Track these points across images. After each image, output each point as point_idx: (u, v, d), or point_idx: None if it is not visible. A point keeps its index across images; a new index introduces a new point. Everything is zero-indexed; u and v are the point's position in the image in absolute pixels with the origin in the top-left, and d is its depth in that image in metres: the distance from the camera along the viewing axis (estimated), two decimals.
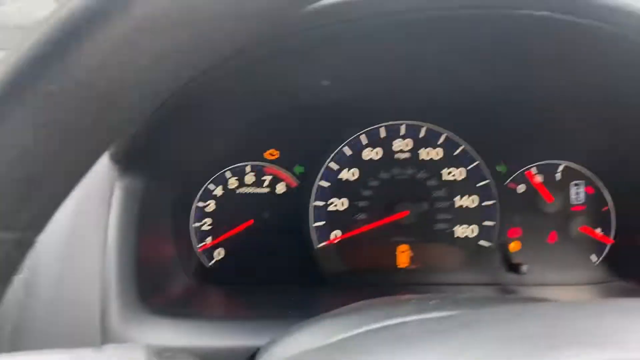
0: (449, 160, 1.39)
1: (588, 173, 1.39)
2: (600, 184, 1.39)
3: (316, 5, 0.79)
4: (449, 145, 1.38)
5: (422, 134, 1.39)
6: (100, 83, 0.37)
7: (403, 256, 1.39)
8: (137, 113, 0.43)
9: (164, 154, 1.12)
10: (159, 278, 1.12)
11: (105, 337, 0.91)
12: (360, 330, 0.63)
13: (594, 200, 1.39)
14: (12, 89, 0.36)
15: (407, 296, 0.78)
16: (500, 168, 1.39)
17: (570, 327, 0.44)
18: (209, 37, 0.42)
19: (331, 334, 0.64)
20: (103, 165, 1.02)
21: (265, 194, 1.40)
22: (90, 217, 0.98)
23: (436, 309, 0.67)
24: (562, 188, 1.39)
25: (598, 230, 1.38)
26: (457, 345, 0.43)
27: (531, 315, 0.47)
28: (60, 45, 0.37)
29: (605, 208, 1.39)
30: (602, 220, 1.39)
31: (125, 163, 1.01)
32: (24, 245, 0.39)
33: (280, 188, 1.40)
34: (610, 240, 1.38)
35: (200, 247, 1.38)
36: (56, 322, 0.92)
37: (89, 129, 0.39)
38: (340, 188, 1.39)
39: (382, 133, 1.39)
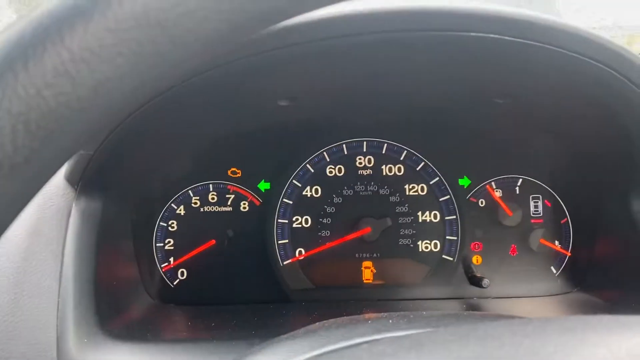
0: (411, 176, 1.40)
1: (546, 187, 1.42)
2: (557, 197, 1.42)
3: (273, 27, 0.80)
4: (410, 162, 1.40)
5: (383, 150, 1.40)
6: (35, 115, 0.37)
7: (368, 272, 1.39)
8: (78, 144, 0.42)
9: (122, 174, 1.11)
10: (119, 301, 1.10)
11: None
12: (316, 352, 0.63)
13: (553, 213, 1.42)
14: None
15: (364, 315, 0.78)
16: (463, 182, 1.41)
17: (517, 346, 0.45)
18: (154, 64, 0.42)
19: (288, 357, 0.64)
20: (59, 188, 1.00)
21: (229, 212, 1.39)
22: (45, 241, 0.96)
23: (392, 328, 0.67)
24: (521, 202, 1.41)
25: (557, 243, 1.41)
26: None
27: (479, 335, 0.47)
28: None
29: (564, 220, 1.42)
30: (560, 233, 1.42)
31: (82, 185, 0.99)
32: None
33: (244, 206, 1.39)
34: (568, 252, 1.40)
35: (164, 267, 1.36)
36: (10, 350, 0.89)
37: (25, 162, 0.38)
38: (303, 205, 1.39)
39: (345, 150, 1.40)
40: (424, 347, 0.47)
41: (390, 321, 0.73)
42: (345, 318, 0.79)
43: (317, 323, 0.77)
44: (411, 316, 0.75)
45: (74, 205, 0.99)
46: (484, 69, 0.93)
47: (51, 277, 0.94)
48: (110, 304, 1.03)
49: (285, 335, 0.73)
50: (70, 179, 0.99)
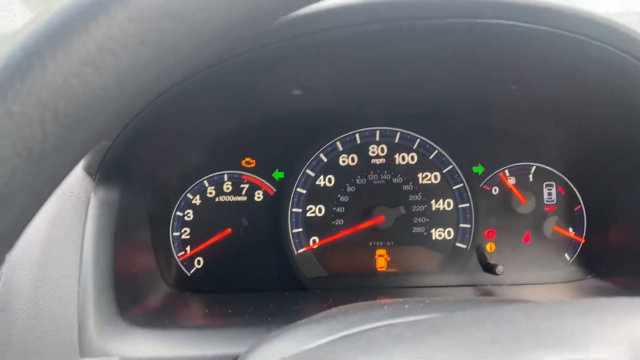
0: (424, 165, 1.41)
1: (559, 174, 1.42)
2: (571, 184, 1.42)
3: (286, 17, 0.80)
4: (423, 150, 1.40)
5: (396, 139, 1.40)
6: (63, 103, 0.38)
7: (381, 260, 1.40)
8: (103, 131, 0.43)
9: (139, 165, 1.12)
10: (137, 289, 1.12)
11: (83, 351, 0.91)
12: (333, 337, 0.64)
13: (566, 200, 1.42)
14: None
15: (381, 301, 0.79)
16: (477, 169, 1.41)
17: (533, 329, 0.45)
18: (175, 53, 0.43)
19: (305, 342, 0.65)
20: (78, 178, 1.02)
21: (243, 202, 1.40)
22: (65, 230, 0.98)
23: (408, 313, 0.68)
24: (534, 189, 1.41)
25: (570, 230, 1.41)
26: (425, 350, 0.44)
27: (495, 319, 0.48)
28: (22, 65, 0.37)
29: (577, 208, 1.42)
30: (574, 220, 1.42)
31: (100, 175, 1.01)
32: None
33: (258, 196, 1.41)
34: (582, 239, 1.40)
35: (181, 256, 1.38)
36: (33, 337, 0.91)
37: (54, 149, 0.39)
38: (317, 194, 1.40)
39: (357, 139, 1.41)
40: (441, 331, 0.48)
41: (406, 306, 0.74)
42: (361, 303, 0.80)
43: (334, 308, 0.78)
44: (427, 301, 0.76)
45: (92, 195, 1.01)
46: (497, 56, 0.93)
47: (71, 266, 0.95)
48: (129, 292, 1.04)
49: (303, 321, 0.74)
50: (89, 170, 1.01)
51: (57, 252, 0.96)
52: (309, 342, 0.66)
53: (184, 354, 0.92)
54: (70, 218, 0.99)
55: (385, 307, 0.75)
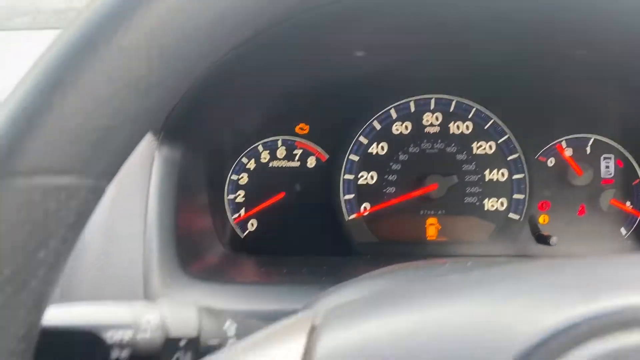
0: (479, 134, 1.39)
1: (618, 146, 1.39)
2: (630, 158, 1.38)
3: None
4: (479, 119, 1.39)
5: (452, 107, 1.39)
6: (165, 40, 0.40)
7: (432, 228, 1.41)
8: (194, 71, 0.45)
9: (200, 126, 1.15)
10: (196, 246, 1.16)
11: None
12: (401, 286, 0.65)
13: (625, 173, 1.39)
14: (88, 44, 0.39)
15: (441, 259, 0.80)
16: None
17: (614, 275, 0.45)
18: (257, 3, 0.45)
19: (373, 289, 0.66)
20: None
21: (296, 167, 1.42)
22: (131, 186, 1.01)
23: (473, 268, 0.69)
24: (592, 161, 1.39)
25: (628, 204, 1.38)
26: (506, 294, 0.45)
27: (573, 266, 0.48)
28: (130, 3, 0.39)
29: (636, 181, 1.38)
30: (632, 194, 1.39)
31: (164, 134, 1.04)
32: (98, 192, 0.42)
33: (311, 162, 1.42)
34: (639, 214, 1.38)
35: (235, 218, 1.41)
36: (102, 287, 0.96)
37: (156, 83, 0.41)
38: (369, 162, 1.41)
39: (412, 107, 1.40)
40: (520, 275, 0.48)
41: (469, 263, 0.74)
42: (420, 261, 0.80)
43: (394, 265, 0.79)
44: (488, 261, 0.76)
45: (156, 153, 1.04)
46: (569, 18, 0.90)
47: (136, 221, 0.99)
48: (189, 249, 1.08)
49: (363, 275, 0.75)
50: (153, 128, 1.04)
51: (123, 206, 1.00)
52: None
53: (243, 308, 0.95)
54: (136, 174, 1.02)
55: (447, 264, 0.75)
